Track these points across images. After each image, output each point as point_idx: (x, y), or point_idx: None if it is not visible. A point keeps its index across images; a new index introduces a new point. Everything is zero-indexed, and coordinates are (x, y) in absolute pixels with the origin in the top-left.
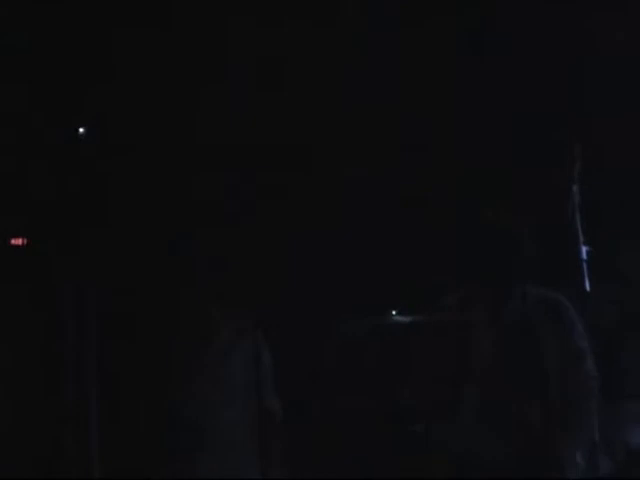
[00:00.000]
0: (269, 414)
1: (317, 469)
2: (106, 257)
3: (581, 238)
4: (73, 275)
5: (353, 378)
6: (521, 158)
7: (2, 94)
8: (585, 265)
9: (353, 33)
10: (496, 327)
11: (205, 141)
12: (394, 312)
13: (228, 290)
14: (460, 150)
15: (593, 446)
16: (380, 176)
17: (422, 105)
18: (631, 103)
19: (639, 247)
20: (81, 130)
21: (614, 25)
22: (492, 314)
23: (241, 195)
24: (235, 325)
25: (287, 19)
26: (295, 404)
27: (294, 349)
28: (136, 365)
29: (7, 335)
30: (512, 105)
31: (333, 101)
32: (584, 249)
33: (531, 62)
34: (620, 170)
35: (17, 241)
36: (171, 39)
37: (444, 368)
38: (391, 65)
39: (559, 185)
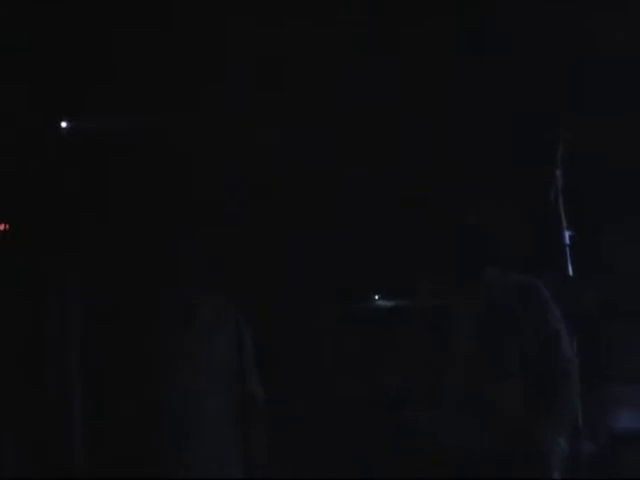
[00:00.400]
0: (253, 401)
1: (303, 459)
2: (87, 247)
3: (564, 223)
4: (56, 266)
5: (336, 363)
6: (507, 148)
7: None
8: (568, 250)
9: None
10: (473, 312)
11: (200, 140)
12: (377, 297)
13: (209, 276)
14: (447, 140)
15: (576, 431)
16: (366, 167)
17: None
18: (617, 94)
19: (622, 232)
20: (64, 124)
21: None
22: (468, 299)
23: (229, 189)
24: (215, 309)
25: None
26: (280, 392)
27: (277, 334)
28: (117, 352)
29: None
30: (505, 100)
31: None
32: (567, 234)
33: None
34: (604, 155)
35: None
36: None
37: (424, 353)
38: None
39: (542, 170)
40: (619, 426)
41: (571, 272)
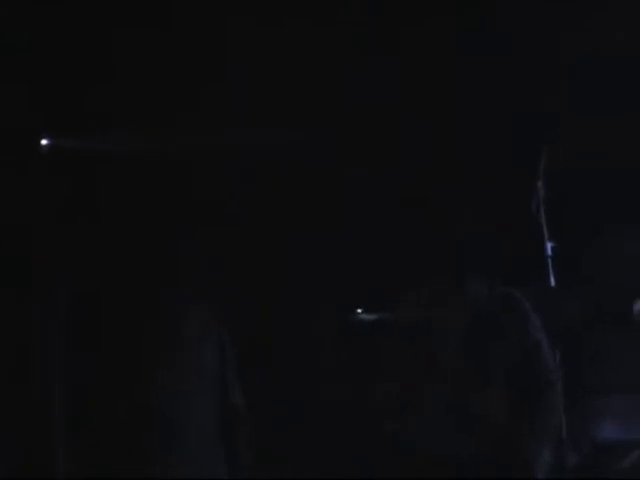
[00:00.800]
0: (236, 410)
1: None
2: (73, 250)
3: (546, 234)
4: (41, 267)
5: (322, 375)
6: (490, 156)
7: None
8: (550, 261)
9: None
10: (458, 322)
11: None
12: (360, 310)
13: (196, 285)
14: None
15: (559, 442)
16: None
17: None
18: (602, 100)
19: (603, 242)
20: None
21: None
22: (453, 310)
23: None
24: (202, 319)
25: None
26: (264, 400)
27: (263, 345)
28: (103, 355)
29: None
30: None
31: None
32: (549, 245)
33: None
34: (586, 165)
35: None
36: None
37: (409, 365)
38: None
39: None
40: (602, 437)
41: (553, 283)
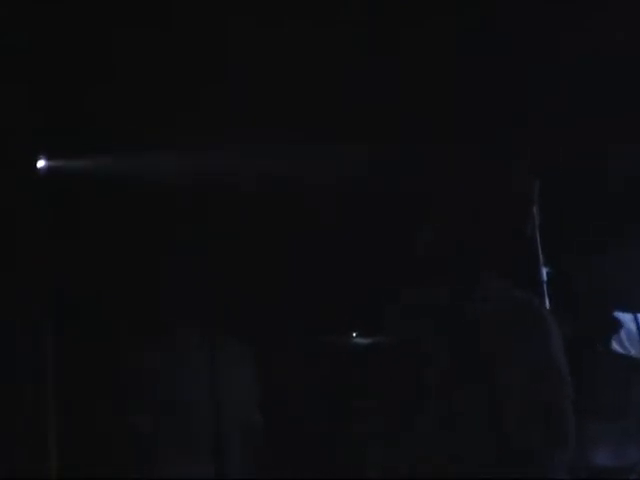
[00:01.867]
0: (252, 427)
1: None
2: (74, 262)
3: (541, 259)
4: (38, 275)
5: (317, 393)
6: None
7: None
8: (545, 286)
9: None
10: (447, 335)
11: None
12: (354, 334)
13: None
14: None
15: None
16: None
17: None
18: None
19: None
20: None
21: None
22: (441, 320)
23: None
24: (197, 330)
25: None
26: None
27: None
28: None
29: None
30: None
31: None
32: (544, 270)
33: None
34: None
35: None
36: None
37: (401, 386)
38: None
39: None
40: (594, 462)
41: (548, 307)
